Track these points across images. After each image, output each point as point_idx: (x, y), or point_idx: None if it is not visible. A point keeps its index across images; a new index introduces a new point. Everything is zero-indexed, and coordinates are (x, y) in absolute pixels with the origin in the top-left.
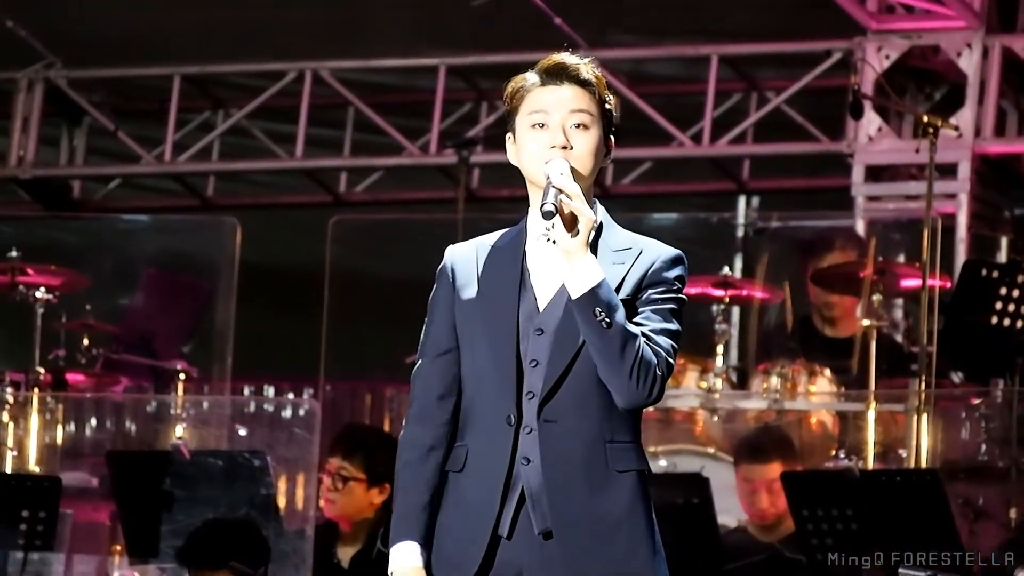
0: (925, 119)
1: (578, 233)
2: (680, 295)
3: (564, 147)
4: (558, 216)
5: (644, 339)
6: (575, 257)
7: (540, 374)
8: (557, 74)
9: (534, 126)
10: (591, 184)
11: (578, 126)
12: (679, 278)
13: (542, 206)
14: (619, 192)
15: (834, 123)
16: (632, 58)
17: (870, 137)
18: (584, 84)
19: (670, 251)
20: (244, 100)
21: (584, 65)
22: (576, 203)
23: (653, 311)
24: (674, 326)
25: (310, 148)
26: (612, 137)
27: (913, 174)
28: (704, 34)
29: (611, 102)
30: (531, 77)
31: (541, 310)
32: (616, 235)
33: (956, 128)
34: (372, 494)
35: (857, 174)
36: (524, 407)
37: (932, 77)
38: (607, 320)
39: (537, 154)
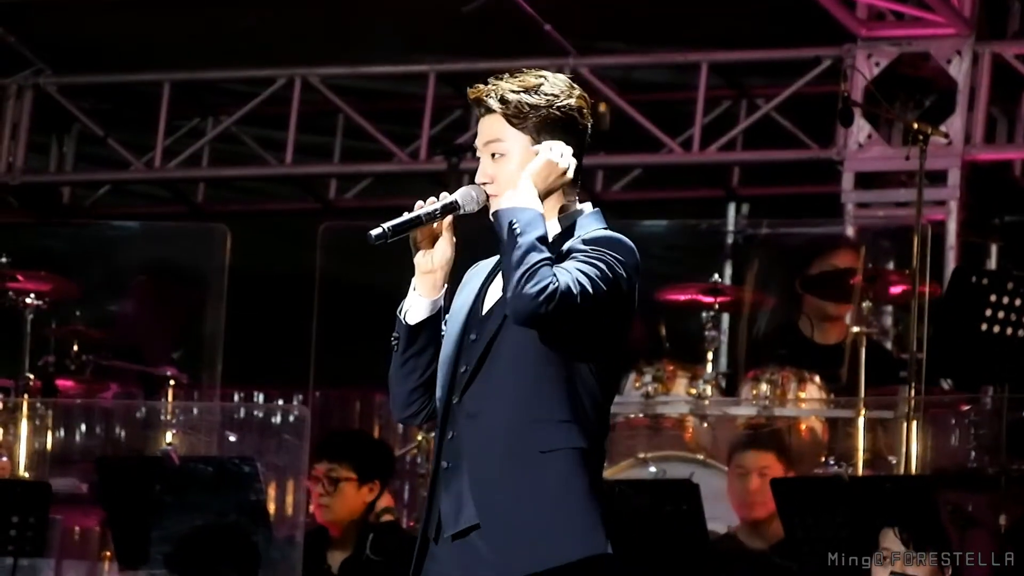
0: (915, 126)
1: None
2: (603, 259)
3: (485, 183)
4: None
5: (554, 264)
6: (518, 186)
7: (464, 377)
8: (476, 104)
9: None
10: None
11: (495, 156)
12: (601, 244)
13: (372, 229)
14: (608, 199)
15: (824, 130)
16: (622, 65)
17: (860, 144)
18: (492, 110)
19: (601, 233)
20: (234, 107)
21: (494, 88)
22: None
23: (570, 260)
24: (590, 269)
25: (300, 155)
26: (575, 137)
27: (903, 181)
28: (694, 41)
29: (537, 112)
30: None
31: (481, 318)
32: (582, 233)
33: (946, 135)
34: (363, 492)
35: (847, 181)
36: (452, 411)
37: (922, 84)
38: (519, 233)
39: None
